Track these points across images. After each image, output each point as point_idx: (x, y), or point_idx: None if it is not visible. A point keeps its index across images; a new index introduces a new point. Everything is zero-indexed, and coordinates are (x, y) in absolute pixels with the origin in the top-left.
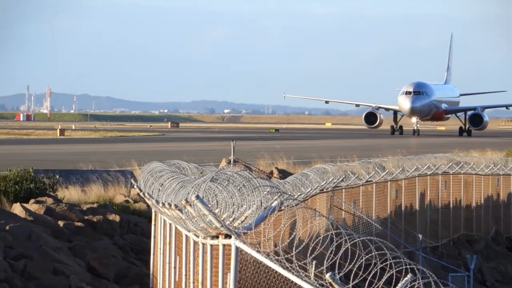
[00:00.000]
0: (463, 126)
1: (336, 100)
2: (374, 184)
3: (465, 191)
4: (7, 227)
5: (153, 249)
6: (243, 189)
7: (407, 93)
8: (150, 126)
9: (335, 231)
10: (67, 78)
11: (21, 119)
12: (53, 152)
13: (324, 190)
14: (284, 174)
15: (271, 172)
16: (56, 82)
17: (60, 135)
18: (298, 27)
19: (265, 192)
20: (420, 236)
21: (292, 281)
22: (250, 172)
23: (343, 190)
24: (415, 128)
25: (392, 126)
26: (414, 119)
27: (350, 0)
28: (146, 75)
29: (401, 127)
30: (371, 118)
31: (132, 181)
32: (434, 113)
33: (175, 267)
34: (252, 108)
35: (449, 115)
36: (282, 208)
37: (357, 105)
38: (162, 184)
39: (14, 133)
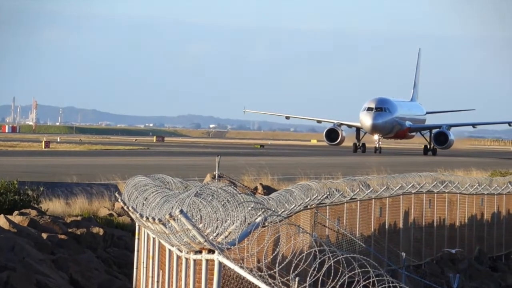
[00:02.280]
0: (428, 145)
1: (297, 116)
2: (358, 202)
3: (449, 210)
4: None
5: (136, 263)
6: (227, 205)
7: (369, 109)
8: (136, 140)
9: (318, 248)
10: (53, 91)
11: (7, 131)
12: (38, 164)
13: (308, 206)
14: (268, 190)
15: (256, 188)
16: (42, 94)
17: (45, 148)
18: (284, 43)
19: (249, 208)
20: (404, 254)
21: None
22: (235, 188)
23: (327, 207)
24: (377, 145)
25: (354, 144)
26: (376, 137)
27: (339, 17)
28: (132, 88)
29: (363, 144)
30: (332, 135)
31: (116, 194)
32: (398, 130)
33: (158, 282)
34: (237, 123)
35: (413, 133)
36: (266, 224)
37: (319, 121)
38: (146, 198)
39: None
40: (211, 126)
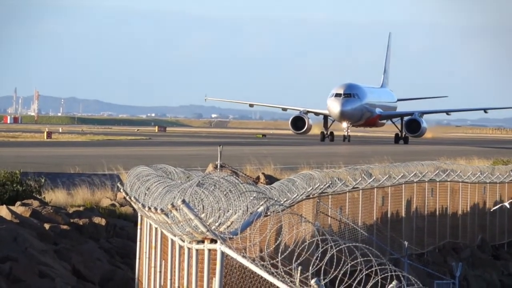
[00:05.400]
0: (399, 133)
1: (261, 103)
2: (361, 191)
3: (452, 198)
4: None
5: (138, 253)
6: (230, 194)
7: (337, 95)
8: (137, 130)
9: (321, 237)
10: (55, 81)
11: (9, 122)
12: (40, 155)
13: (311, 196)
14: (270, 179)
15: (258, 178)
16: (44, 85)
17: (47, 138)
18: (286, 32)
19: (251, 198)
20: (406, 243)
21: (278, 287)
22: (237, 178)
23: (330, 196)
24: (346, 134)
25: (322, 132)
26: (344, 124)
27: (341, 6)
28: (133, 79)
29: (331, 133)
30: (298, 123)
31: (119, 184)
32: (367, 118)
33: (160, 271)
34: (239, 113)
35: (384, 121)
36: (268, 213)
37: (284, 109)
38: (149, 188)
39: (1, 135)
40: (213, 116)
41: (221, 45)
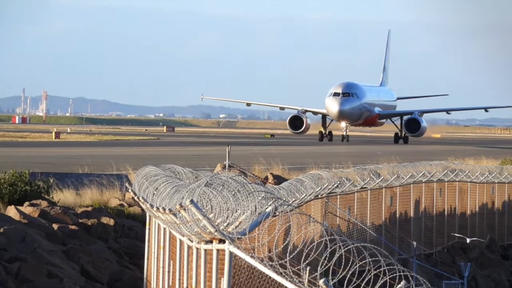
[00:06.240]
0: (399, 133)
1: (259, 102)
2: (369, 191)
3: (460, 198)
4: (1, 230)
5: (147, 253)
6: (238, 194)
7: (335, 94)
8: (146, 130)
9: (329, 237)
10: (63, 81)
11: (17, 122)
12: (48, 155)
13: (319, 196)
14: (279, 179)
15: (266, 178)
16: (52, 85)
17: (55, 138)
18: (292, 32)
19: (260, 198)
20: (415, 243)
21: (286, 287)
22: (245, 178)
23: (338, 196)
24: (344, 133)
25: (320, 132)
26: (343, 124)
27: (345, 6)
28: (142, 79)
29: (330, 132)
30: (296, 122)
31: (127, 185)
32: (366, 117)
33: (168, 272)
34: (247, 113)
35: (383, 120)
36: (277, 213)
37: (282, 108)
38: (157, 188)
39: (9, 135)
40: (221, 116)
41: (228, 45)
